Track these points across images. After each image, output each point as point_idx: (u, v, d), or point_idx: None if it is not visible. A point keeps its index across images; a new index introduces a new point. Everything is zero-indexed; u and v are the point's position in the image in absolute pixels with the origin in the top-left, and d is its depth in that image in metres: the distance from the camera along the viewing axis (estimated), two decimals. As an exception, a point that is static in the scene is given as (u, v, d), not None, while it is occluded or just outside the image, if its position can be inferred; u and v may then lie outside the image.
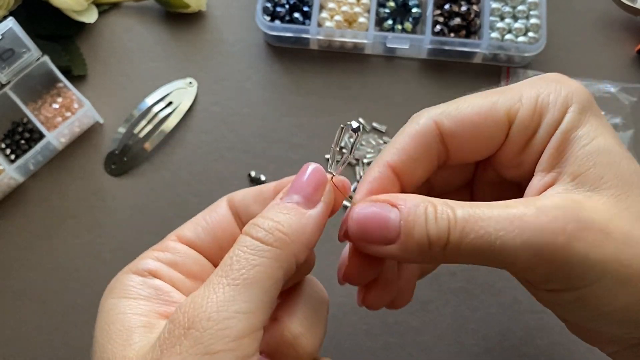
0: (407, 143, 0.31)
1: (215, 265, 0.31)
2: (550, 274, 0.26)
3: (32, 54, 0.56)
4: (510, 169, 0.32)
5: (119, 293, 0.30)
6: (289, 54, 0.63)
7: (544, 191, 0.28)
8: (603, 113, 0.58)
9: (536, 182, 0.29)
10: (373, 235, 0.29)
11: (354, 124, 0.30)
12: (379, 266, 0.33)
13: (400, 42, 0.60)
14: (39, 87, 0.59)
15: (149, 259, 0.31)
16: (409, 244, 0.28)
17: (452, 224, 0.27)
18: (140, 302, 0.29)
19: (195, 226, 0.33)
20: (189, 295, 0.26)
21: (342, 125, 0.31)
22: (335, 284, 0.56)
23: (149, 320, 0.28)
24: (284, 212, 0.28)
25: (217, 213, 0.34)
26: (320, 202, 0.29)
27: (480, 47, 0.60)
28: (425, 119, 0.31)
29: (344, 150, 0.31)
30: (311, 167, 0.30)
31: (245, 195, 0.34)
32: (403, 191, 0.32)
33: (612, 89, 0.60)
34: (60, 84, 0.59)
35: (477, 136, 0.30)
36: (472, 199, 0.37)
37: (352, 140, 0.31)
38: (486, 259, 0.27)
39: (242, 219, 0.34)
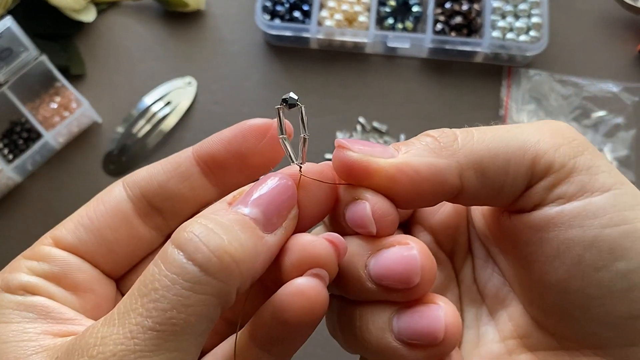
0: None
1: (107, 274, 0.26)
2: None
3: (30, 53, 0.56)
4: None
5: None
6: (289, 53, 0.63)
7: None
8: (605, 113, 0.59)
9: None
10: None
11: (289, 96, 0.25)
12: None
13: (401, 41, 0.60)
14: (37, 87, 0.59)
15: (21, 273, 0.25)
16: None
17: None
18: (26, 327, 0.23)
19: (76, 226, 0.26)
20: (92, 329, 0.20)
21: (277, 107, 0.25)
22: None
23: (42, 344, 0.22)
24: (236, 227, 0.21)
25: (107, 205, 0.26)
26: (282, 227, 0.22)
27: (482, 46, 0.59)
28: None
29: (301, 135, 0.25)
30: (281, 181, 0.23)
31: (151, 173, 0.27)
32: None
33: (615, 89, 0.60)
34: (59, 83, 0.59)
35: (498, 186, 0.24)
36: None
37: (301, 118, 0.25)
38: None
39: (153, 202, 0.26)
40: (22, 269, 0.25)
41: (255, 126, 0.26)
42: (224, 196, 0.24)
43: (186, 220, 0.22)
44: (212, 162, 0.27)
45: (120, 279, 0.27)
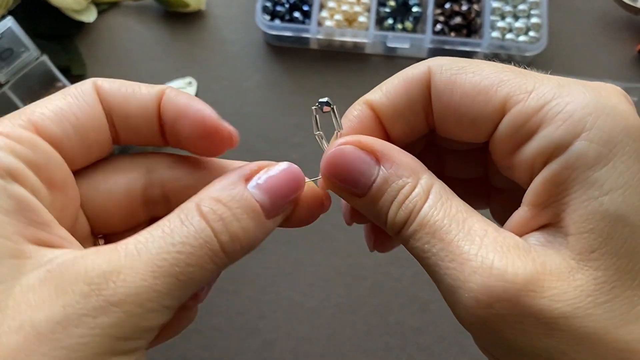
0: (393, 84, 0.26)
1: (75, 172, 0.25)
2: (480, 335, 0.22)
3: (31, 54, 0.56)
4: (504, 169, 0.25)
5: None
6: (289, 53, 0.63)
7: (525, 230, 0.23)
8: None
9: (519, 215, 0.23)
10: (343, 183, 0.25)
11: (323, 100, 0.27)
12: None
13: (401, 42, 0.60)
14: (38, 87, 0.59)
15: (6, 152, 0.22)
16: (370, 209, 0.24)
17: (410, 220, 0.22)
18: (2, 218, 0.21)
19: (62, 119, 0.24)
20: (103, 255, 0.20)
21: (313, 107, 0.27)
22: (334, 285, 0.56)
23: (16, 247, 0.20)
24: (249, 216, 0.22)
25: (87, 104, 0.25)
26: (279, 215, 0.24)
27: (481, 47, 0.59)
28: (423, 67, 0.25)
29: (336, 131, 0.27)
30: (291, 168, 0.25)
31: (118, 86, 0.28)
32: (386, 139, 0.26)
33: (613, 89, 0.60)
34: (59, 84, 0.59)
35: (465, 112, 0.24)
36: (488, 189, 0.30)
37: (334, 116, 0.27)
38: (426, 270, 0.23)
39: (112, 111, 0.26)
40: (5, 148, 0.22)
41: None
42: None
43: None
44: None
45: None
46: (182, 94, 0.26)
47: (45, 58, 0.58)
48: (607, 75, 0.61)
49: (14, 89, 0.57)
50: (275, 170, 0.24)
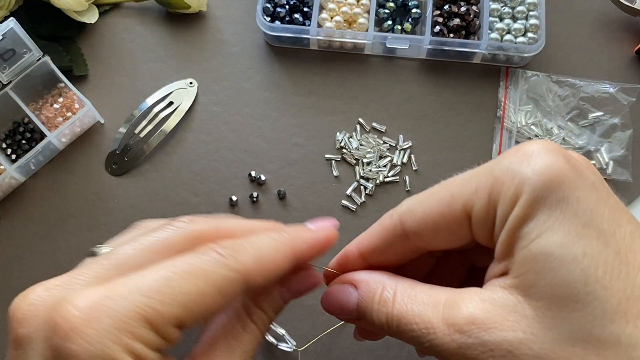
0: (374, 235, 0.32)
1: None
2: None
3: (33, 54, 0.57)
4: (489, 245, 0.29)
5: None
6: (289, 54, 0.63)
7: (493, 276, 0.27)
8: (601, 113, 0.60)
9: (490, 266, 0.28)
10: (340, 315, 0.32)
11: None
12: None
13: (400, 43, 0.61)
14: (40, 87, 0.60)
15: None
16: (367, 322, 0.30)
17: (390, 318, 0.28)
18: None
19: (174, 298, 0.25)
20: None
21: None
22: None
23: None
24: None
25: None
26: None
27: (480, 48, 0.60)
28: (395, 215, 0.31)
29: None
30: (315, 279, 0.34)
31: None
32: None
33: (611, 89, 0.60)
34: (61, 84, 0.60)
35: (440, 234, 0.29)
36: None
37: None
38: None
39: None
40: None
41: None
42: None
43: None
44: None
45: None
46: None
47: (47, 59, 0.58)
48: (605, 76, 0.61)
49: (16, 89, 0.57)
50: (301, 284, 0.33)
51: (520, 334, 0.24)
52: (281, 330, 0.51)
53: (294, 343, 0.51)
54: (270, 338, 0.51)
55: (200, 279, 0.25)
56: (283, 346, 0.51)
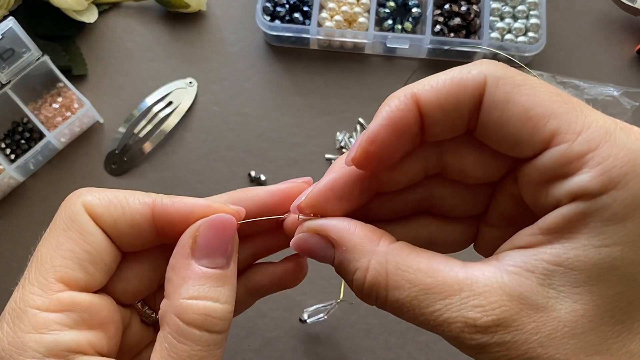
0: (444, 83, 0.25)
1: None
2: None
3: (32, 54, 0.57)
4: (525, 194, 0.26)
5: None
6: (289, 53, 0.63)
7: (528, 245, 0.24)
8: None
9: (527, 233, 0.24)
10: (312, 257, 0.27)
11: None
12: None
13: (400, 42, 0.61)
14: (39, 87, 0.60)
15: (56, 331, 0.24)
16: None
17: (383, 303, 0.25)
18: None
19: (80, 263, 0.26)
20: None
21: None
22: (333, 284, 0.56)
23: None
24: (215, 286, 0.26)
25: (92, 236, 0.27)
26: (233, 260, 0.27)
27: (480, 47, 0.60)
28: (478, 73, 0.25)
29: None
30: (218, 219, 0.28)
31: (107, 205, 0.28)
32: (420, 134, 0.26)
33: (615, 93, 0.60)
34: (61, 84, 0.59)
35: (511, 134, 0.24)
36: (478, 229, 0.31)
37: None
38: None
39: (107, 233, 0.28)
40: (52, 326, 0.24)
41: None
42: None
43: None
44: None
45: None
46: (172, 200, 0.29)
47: (46, 58, 0.58)
48: (606, 76, 0.61)
49: (15, 89, 0.57)
50: (205, 229, 0.27)
51: (545, 338, 0.22)
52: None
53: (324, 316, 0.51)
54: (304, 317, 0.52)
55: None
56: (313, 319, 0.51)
